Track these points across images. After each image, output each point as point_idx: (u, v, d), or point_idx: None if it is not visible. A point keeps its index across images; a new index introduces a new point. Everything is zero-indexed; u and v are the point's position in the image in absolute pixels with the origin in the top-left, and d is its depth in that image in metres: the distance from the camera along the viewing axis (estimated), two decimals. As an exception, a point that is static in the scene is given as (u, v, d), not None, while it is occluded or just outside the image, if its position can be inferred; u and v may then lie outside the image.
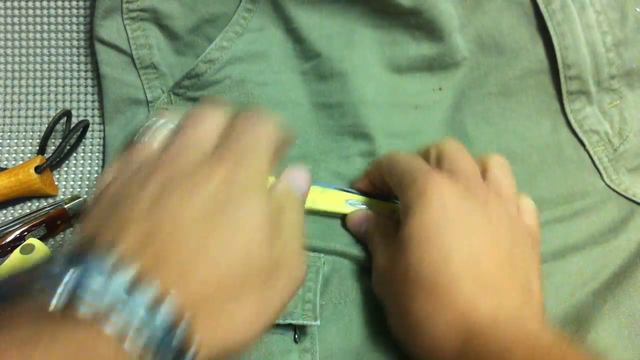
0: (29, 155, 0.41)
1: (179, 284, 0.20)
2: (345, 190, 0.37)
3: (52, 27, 0.42)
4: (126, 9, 0.39)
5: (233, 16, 0.40)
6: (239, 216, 0.23)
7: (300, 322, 0.31)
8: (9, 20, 0.41)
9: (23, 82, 0.42)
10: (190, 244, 0.21)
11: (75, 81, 0.42)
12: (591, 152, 0.39)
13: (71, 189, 0.40)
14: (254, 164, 0.25)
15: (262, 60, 0.40)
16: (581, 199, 0.38)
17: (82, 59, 0.42)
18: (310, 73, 0.40)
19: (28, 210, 0.37)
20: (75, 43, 0.42)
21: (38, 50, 0.42)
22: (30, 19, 0.41)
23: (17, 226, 0.35)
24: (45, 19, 0.42)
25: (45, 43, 0.42)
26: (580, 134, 0.40)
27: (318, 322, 0.32)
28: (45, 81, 0.42)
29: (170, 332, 0.19)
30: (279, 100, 0.40)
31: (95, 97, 0.42)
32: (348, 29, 0.39)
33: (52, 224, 0.36)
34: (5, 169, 0.39)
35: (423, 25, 0.38)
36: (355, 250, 0.36)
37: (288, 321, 0.31)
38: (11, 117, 0.42)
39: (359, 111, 0.39)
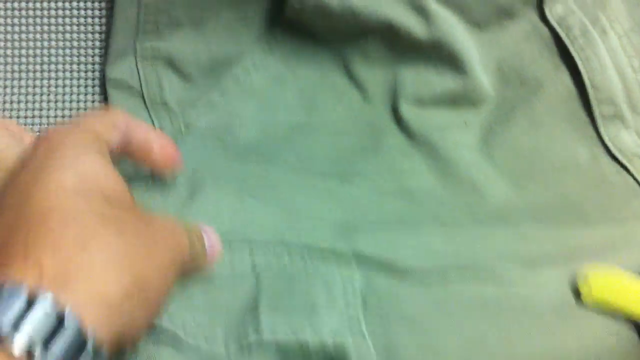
0: (28, 155, 0.40)
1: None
2: None
3: (52, 27, 0.41)
4: (140, 49, 0.39)
5: (252, 51, 0.40)
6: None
7: (348, 339, 0.29)
8: (8, 20, 0.41)
9: (22, 82, 0.41)
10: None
11: (75, 81, 0.42)
12: (637, 176, 0.38)
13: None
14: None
15: (277, 94, 0.40)
16: (632, 225, 0.37)
17: (82, 59, 0.42)
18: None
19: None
20: (75, 44, 0.42)
21: (38, 51, 0.42)
22: (30, 20, 0.41)
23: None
24: (45, 19, 0.41)
25: (45, 43, 0.42)
26: (622, 159, 0.38)
27: (369, 341, 0.30)
28: (45, 82, 0.42)
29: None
30: (293, 132, 0.39)
31: (96, 97, 0.42)
32: (368, 63, 0.40)
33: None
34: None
35: (445, 59, 0.38)
36: (392, 254, 0.33)
37: (339, 339, 0.29)
38: (10, 117, 0.41)
39: (380, 138, 0.39)
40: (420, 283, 0.33)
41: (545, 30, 0.39)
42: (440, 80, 0.39)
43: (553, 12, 0.39)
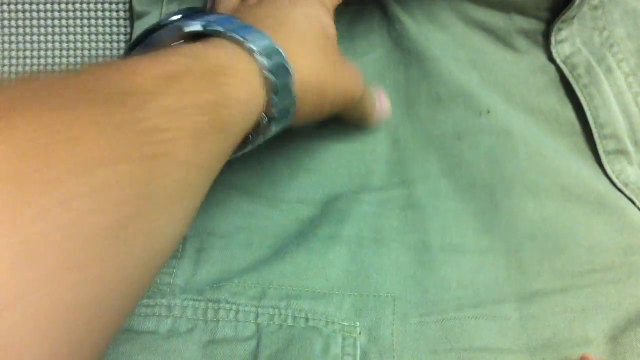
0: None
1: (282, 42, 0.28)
2: None
3: (51, 28, 0.41)
4: (166, 9, 0.39)
5: None
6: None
7: None
8: (6, 22, 0.41)
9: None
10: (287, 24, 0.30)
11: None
12: None
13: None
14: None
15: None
16: (637, 257, 0.36)
17: (82, 59, 0.41)
18: None
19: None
20: (73, 44, 0.41)
21: (36, 52, 0.41)
22: (29, 20, 0.41)
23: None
24: (43, 20, 0.41)
25: (44, 44, 0.41)
26: (628, 193, 0.38)
27: None
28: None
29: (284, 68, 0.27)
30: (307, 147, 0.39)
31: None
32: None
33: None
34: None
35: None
36: (391, 312, 0.33)
37: None
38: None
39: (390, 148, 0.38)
40: (422, 335, 0.33)
41: (551, 67, 0.39)
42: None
43: (560, 51, 0.39)
